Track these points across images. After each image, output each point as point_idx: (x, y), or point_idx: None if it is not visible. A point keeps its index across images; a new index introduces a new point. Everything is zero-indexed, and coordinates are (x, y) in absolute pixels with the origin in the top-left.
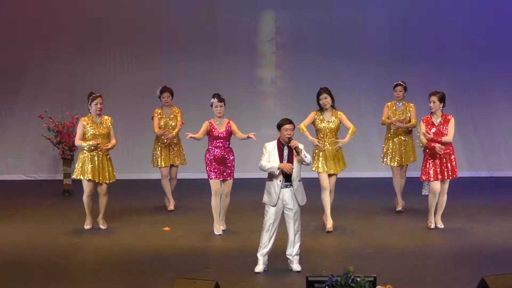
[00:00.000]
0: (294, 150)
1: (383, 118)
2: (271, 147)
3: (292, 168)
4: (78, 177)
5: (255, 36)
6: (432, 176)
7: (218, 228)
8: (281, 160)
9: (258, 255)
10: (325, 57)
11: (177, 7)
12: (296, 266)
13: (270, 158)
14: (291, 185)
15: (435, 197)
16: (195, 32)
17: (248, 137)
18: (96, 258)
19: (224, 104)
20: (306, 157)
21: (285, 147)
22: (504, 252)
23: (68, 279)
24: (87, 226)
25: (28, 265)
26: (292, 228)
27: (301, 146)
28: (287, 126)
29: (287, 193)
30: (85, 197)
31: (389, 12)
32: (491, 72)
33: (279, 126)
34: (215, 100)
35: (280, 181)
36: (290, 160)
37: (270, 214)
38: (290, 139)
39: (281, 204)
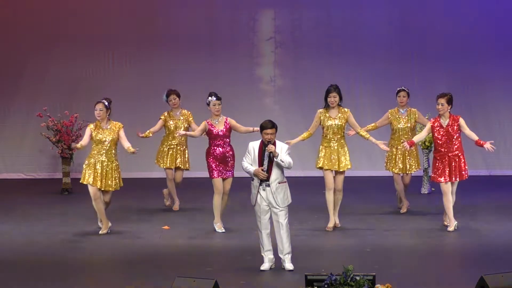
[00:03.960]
0: (269, 155)
1: (376, 123)
2: (253, 147)
3: (266, 175)
4: (81, 181)
5: (254, 35)
6: (441, 177)
7: (220, 225)
8: (260, 162)
9: (262, 253)
10: (324, 56)
11: (176, 6)
12: (288, 265)
13: (251, 158)
14: (270, 185)
15: (448, 199)
16: (194, 31)
17: (254, 130)
18: (96, 257)
19: (221, 102)
20: (283, 162)
21: (266, 149)
22: (503, 251)
23: (68, 277)
24: (103, 231)
25: (27, 264)
26: (278, 226)
27: (285, 148)
28: (268, 131)
29: (268, 193)
30: (93, 203)
31: (388, 12)
32: (490, 71)
33: (261, 128)
34: (212, 99)
35: (257, 181)
36: (269, 164)
37: (255, 212)
38: (269, 142)
39: (265, 203)
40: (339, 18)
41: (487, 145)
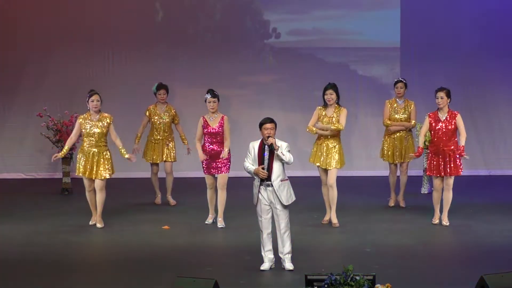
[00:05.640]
0: (269, 147)
1: (385, 119)
2: (253, 147)
3: (266, 174)
4: (77, 174)
5: (254, 35)
6: (434, 171)
7: (211, 217)
8: (259, 161)
9: (262, 253)
10: (324, 56)
11: (176, 7)
12: (288, 265)
13: (252, 158)
14: (272, 185)
15: (437, 193)
16: (194, 31)
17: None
18: (95, 257)
19: (218, 100)
20: (283, 155)
21: (266, 148)
22: (503, 251)
23: (67, 277)
24: (91, 222)
25: (27, 264)
26: (279, 226)
27: (284, 144)
28: (268, 125)
29: (270, 193)
30: (86, 193)
31: (388, 11)
32: (490, 70)
33: (260, 125)
34: (208, 96)
35: (258, 181)
36: (270, 162)
37: (257, 212)
38: (269, 136)
39: (266, 202)
40: (338, 18)
41: (463, 154)
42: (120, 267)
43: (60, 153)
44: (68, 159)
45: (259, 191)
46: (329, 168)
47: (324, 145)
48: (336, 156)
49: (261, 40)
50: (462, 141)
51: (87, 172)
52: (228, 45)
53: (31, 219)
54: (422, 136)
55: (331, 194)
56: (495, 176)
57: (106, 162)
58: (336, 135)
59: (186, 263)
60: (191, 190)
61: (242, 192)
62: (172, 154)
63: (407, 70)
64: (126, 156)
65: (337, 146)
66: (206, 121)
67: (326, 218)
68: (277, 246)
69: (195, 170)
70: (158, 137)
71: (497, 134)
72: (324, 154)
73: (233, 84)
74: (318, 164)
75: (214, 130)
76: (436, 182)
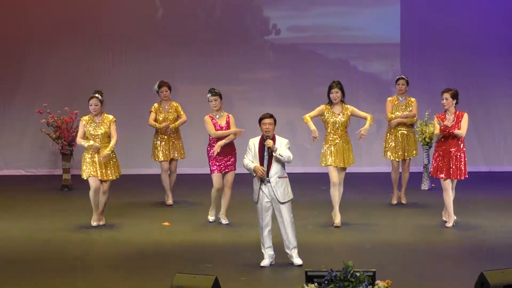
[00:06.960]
0: (268, 149)
1: (388, 114)
2: (253, 143)
3: (263, 174)
4: (84, 177)
5: (253, 35)
6: (441, 174)
7: (212, 214)
8: (260, 158)
9: (262, 250)
10: (324, 52)
11: (176, 5)
12: (296, 260)
13: (252, 155)
14: (270, 181)
15: (448, 195)
16: (194, 30)
17: (239, 132)
18: (95, 253)
19: (220, 98)
20: (281, 156)
21: (266, 148)
22: (504, 247)
23: (67, 274)
24: (94, 223)
25: (27, 261)
26: (282, 221)
27: (285, 142)
28: (266, 121)
29: (269, 189)
30: (91, 193)
31: (388, 9)
32: (490, 66)
33: (259, 120)
34: (209, 95)
35: (258, 177)
36: (269, 158)
37: (257, 209)
38: (268, 137)
39: (268, 199)
40: (338, 16)
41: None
42: (120, 263)
43: (87, 144)
44: (68, 155)
45: (260, 187)
46: (347, 166)
47: (339, 144)
48: (352, 153)
49: (261, 36)
50: (456, 131)
51: (94, 174)
52: (228, 42)
53: (31, 215)
54: (436, 131)
55: (340, 190)
56: (495, 173)
57: (112, 164)
58: (345, 133)
59: (186, 260)
60: (192, 187)
61: (242, 189)
62: (180, 152)
63: (407, 67)
64: (106, 151)
65: (350, 143)
66: (215, 120)
67: (337, 220)
68: (277, 242)
69: (196, 166)
70: (165, 135)
71: (497, 131)
72: (341, 152)
73: (233, 81)
74: (336, 165)
75: (224, 128)
76: (446, 182)
